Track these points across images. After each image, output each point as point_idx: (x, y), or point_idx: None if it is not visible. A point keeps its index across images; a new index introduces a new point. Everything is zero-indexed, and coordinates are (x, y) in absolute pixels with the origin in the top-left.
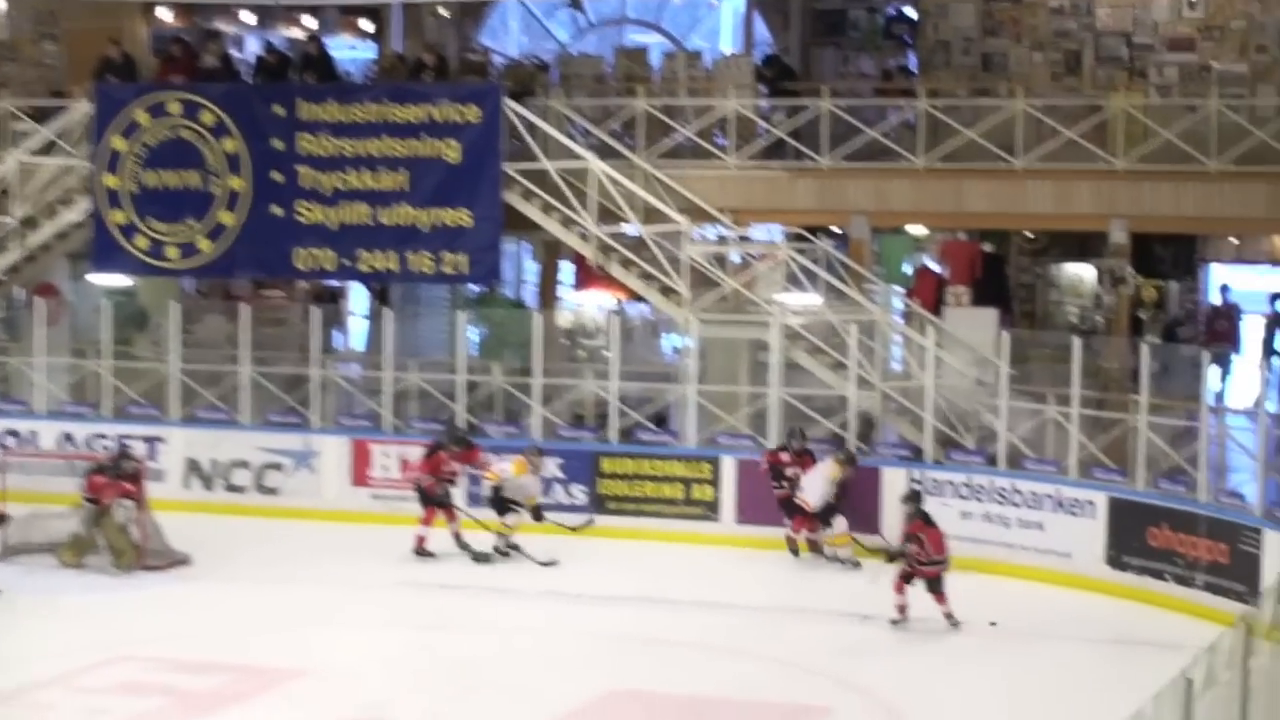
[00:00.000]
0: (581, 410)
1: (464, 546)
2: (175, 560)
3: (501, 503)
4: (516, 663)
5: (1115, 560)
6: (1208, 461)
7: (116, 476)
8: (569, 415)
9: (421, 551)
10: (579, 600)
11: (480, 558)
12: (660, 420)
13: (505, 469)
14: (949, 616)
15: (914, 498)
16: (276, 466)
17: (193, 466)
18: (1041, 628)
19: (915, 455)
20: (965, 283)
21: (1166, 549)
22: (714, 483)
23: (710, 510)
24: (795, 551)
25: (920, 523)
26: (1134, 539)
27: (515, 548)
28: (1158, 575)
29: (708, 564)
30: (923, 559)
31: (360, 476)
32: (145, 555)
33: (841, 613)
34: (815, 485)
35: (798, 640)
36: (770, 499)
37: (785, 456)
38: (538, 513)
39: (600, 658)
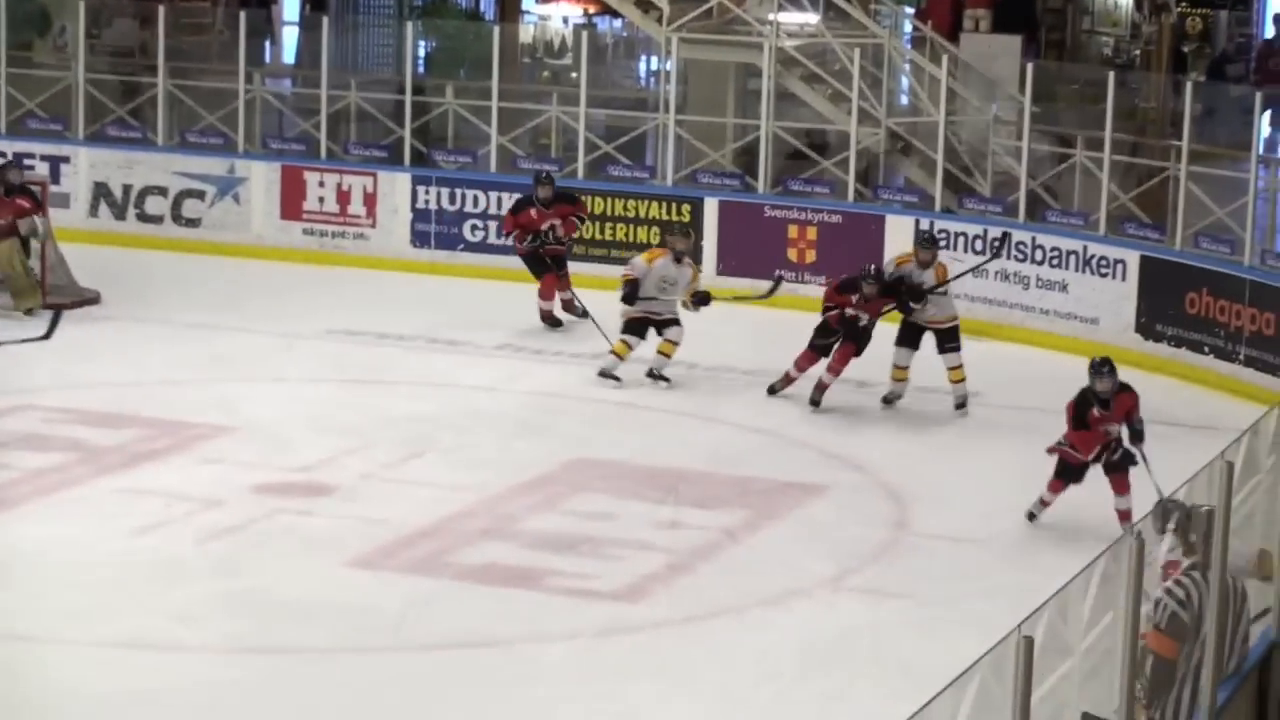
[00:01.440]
0: (545, 140)
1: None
2: (82, 299)
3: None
4: (467, 424)
5: (1147, 329)
6: (1255, 219)
7: (5, 194)
8: (531, 145)
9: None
10: (540, 357)
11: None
12: (635, 154)
13: (637, 263)
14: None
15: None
16: (197, 194)
17: (101, 191)
18: (1062, 402)
19: (924, 203)
20: (985, 5)
21: (1205, 317)
22: (694, 227)
23: (690, 259)
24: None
25: None
26: (1169, 305)
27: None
28: (1195, 347)
29: (686, 319)
30: None
31: (292, 208)
32: (48, 291)
33: (838, 380)
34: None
35: (787, 409)
36: (761, 247)
37: (853, 298)
38: (703, 298)
39: (563, 422)
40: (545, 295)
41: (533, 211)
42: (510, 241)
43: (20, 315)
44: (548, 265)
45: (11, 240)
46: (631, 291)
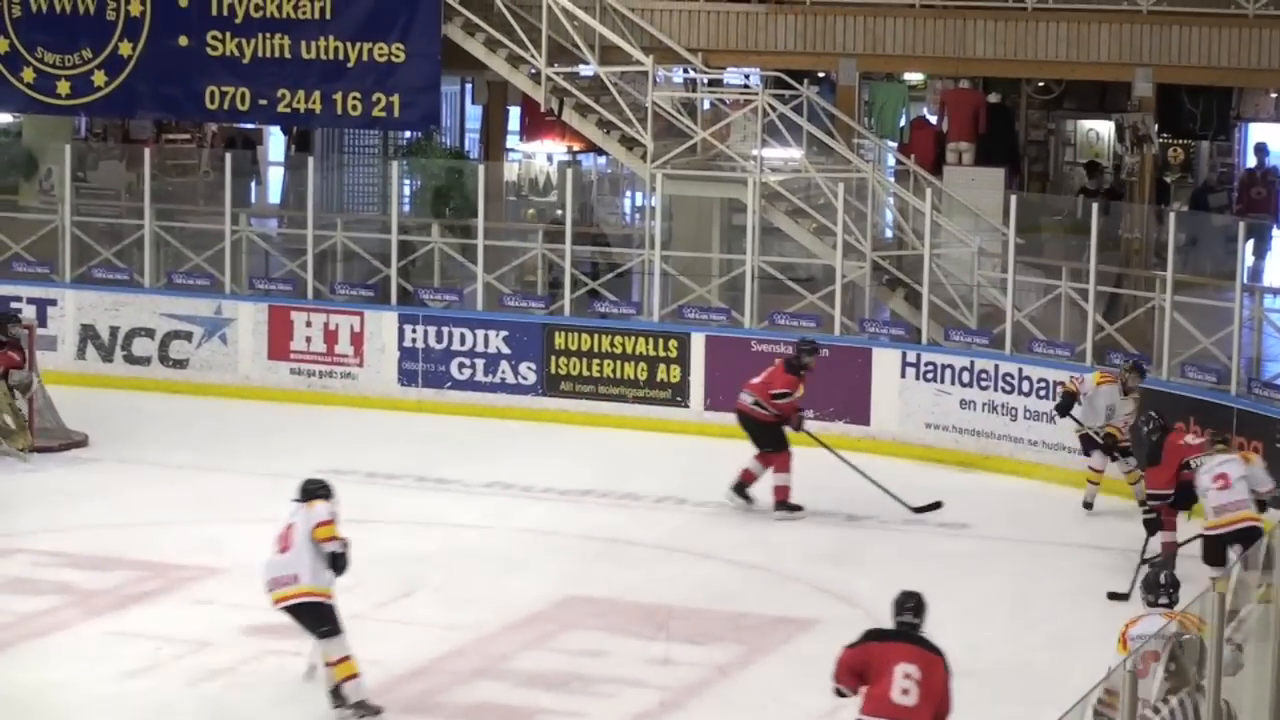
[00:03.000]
0: (531, 277)
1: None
2: (70, 441)
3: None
4: (459, 563)
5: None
6: (1241, 348)
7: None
8: (516, 282)
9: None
10: (529, 494)
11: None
12: (622, 290)
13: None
14: None
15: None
16: (184, 335)
17: (89, 333)
18: (1051, 533)
19: (910, 335)
20: (968, 138)
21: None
22: (681, 362)
23: (677, 394)
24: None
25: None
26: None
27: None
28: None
29: (674, 455)
30: None
31: (279, 349)
32: (35, 434)
33: (826, 513)
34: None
35: (777, 543)
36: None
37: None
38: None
39: (554, 559)
40: (781, 468)
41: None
42: (775, 404)
43: (13, 454)
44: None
45: None
46: (1066, 403)
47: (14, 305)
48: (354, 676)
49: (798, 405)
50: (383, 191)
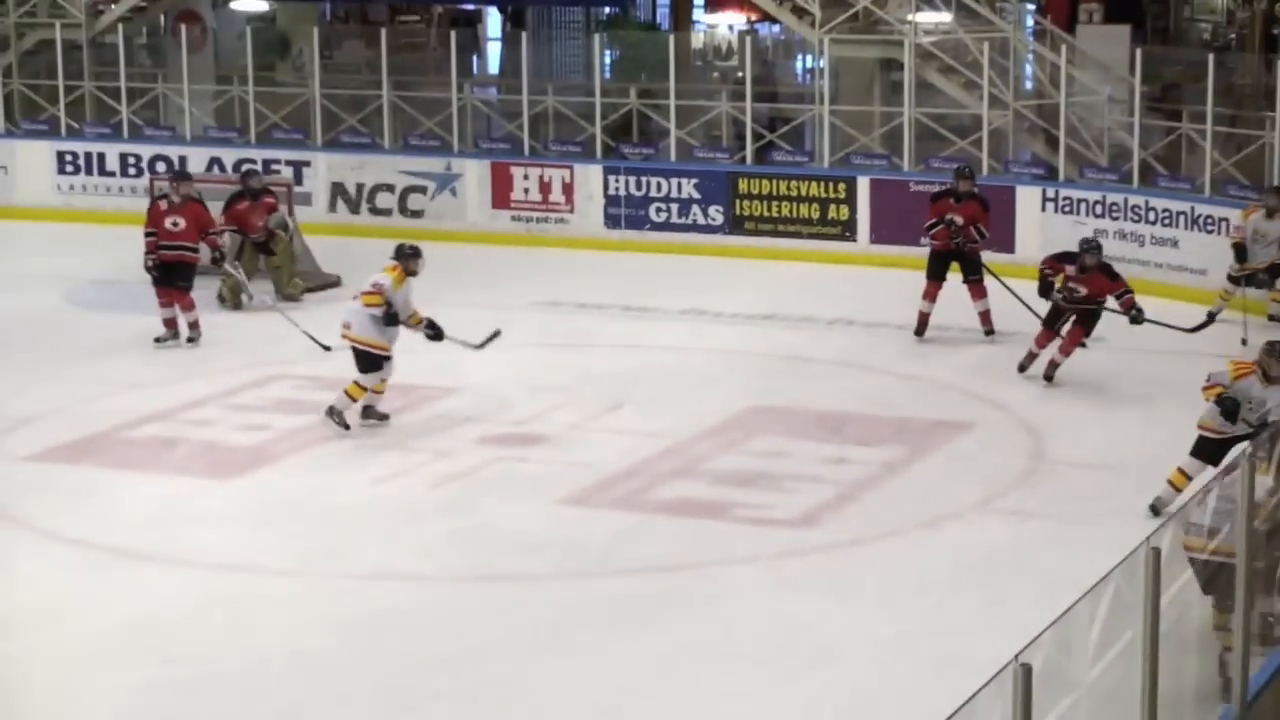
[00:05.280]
0: (716, 131)
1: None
2: (325, 282)
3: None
4: (659, 379)
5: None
6: None
7: (253, 199)
8: (704, 136)
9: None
10: (719, 319)
11: None
12: (795, 141)
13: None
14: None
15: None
16: (420, 190)
17: (338, 190)
18: (1174, 344)
19: (1049, 174)
20: None
21: None
22: (849, 202)
23: (846, 229)
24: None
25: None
26: None
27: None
28: None
29: (843, 283)
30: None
31: (501, 199)
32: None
33: (980, 333)
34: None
35: (937, 359)
36: (908, 218)
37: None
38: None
39: (740, 374)
40: (928, 295)
41: (951, 201)
42: (926, 237)
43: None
44: (944, 266)
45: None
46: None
47: (274, 167)
48: (355, 400)
49: (945, 226)
50: (586, 61)
